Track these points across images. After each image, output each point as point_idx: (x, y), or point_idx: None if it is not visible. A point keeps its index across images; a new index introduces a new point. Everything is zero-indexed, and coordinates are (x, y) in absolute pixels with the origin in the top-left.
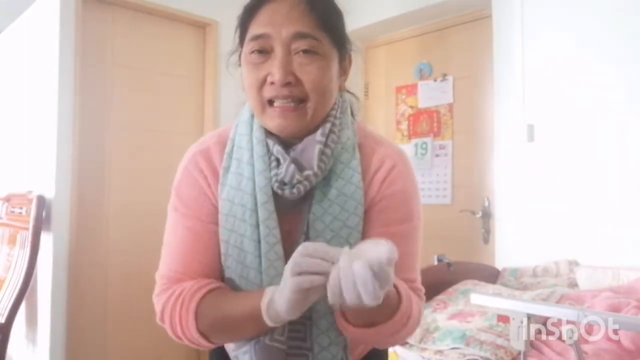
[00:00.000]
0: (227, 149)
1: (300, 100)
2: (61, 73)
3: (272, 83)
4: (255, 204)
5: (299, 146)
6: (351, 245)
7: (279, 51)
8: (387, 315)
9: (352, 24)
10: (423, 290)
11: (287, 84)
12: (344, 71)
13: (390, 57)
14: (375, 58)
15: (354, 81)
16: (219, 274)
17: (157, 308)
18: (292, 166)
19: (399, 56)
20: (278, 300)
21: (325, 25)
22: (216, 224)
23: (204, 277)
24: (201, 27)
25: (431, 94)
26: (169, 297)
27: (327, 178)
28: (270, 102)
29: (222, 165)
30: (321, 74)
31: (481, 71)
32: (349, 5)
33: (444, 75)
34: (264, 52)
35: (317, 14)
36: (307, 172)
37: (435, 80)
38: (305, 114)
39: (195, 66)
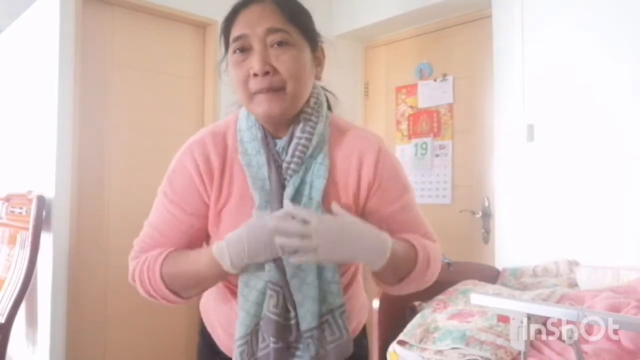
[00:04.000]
0: (238, 137)
1: (280, 89)
2: (61, 73)
3: (254, 75)
4: None
5: (283, 141)
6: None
7: (256, 46)
8: (410, 267)
9: (352, 24)
10: (435, 234)
11: (266, 74)
12: (318, 62)
13: (390, 57)
14: (375, 58)
15: (354, 81)
16: None
17: (130, 271)
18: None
19: (399, 56)
20: (236, 241)
21: (293, 20)
22: (199, 215)
23: None
24: (201, 27)
25: (431, 94)
26: (137, 263)
27: (299, 171)
28: (255, 93)
29: (238, 151)
30: (294, 62)
31: (481, 71)
32: (349, 5)
33: (444, 75)
34: (245, 50)
35: (284, 11)
36: (284, 164)
37: (435, 80)
38: (285, 97)
39: (195, 66)
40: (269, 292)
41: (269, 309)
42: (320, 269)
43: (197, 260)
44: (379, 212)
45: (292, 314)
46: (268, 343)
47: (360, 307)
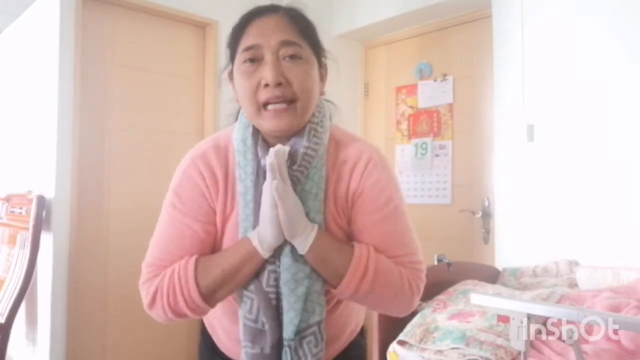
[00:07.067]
0: (236, 147)
1: (291, 101)
2: (61, 73)
3: (266, 85)
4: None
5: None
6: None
7: (269, 57)
8: (344, 264)
9: (352, 24)
10: (418, 262)
11: (278, 85)
12: (321, 78)
13: (390, 57)
14: (375, 58)
15: (354, 81)
16: None
17: (147, 295)
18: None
19: (399, 56)
20: (263, 231)
21: (305, 35)
22: (210, 222)
23: None
24: (201, 27)
25: (431, 94)
26: (162, 279)
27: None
28: (265, 105)
29: (236, 162)
30: (306, 76)
31: (481, 71)
32: (349, 5)
33: (444, 75)
34: (256, 60)
35: (298, 25)
36: (294, 167)
37: (435, 80)
38: (296, 112)
39: (195, 66)
40: (244, 298)
41: (244, 314)
42: (310, 281)
43: (232, 254)
44: (359, 220)
45: (265, 320)
46: (247, 348)
47: (358, 308)
